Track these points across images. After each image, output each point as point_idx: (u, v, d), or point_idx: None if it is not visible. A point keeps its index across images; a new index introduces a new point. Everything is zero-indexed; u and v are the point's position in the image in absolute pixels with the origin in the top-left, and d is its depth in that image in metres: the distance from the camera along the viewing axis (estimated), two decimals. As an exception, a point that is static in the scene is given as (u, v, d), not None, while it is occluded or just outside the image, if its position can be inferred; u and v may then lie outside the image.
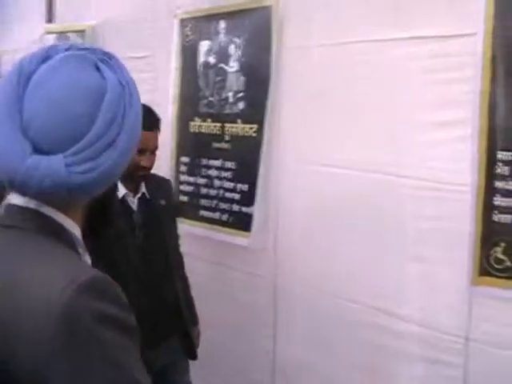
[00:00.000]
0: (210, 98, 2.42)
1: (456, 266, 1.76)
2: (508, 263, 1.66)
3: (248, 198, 2.30)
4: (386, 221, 1.93)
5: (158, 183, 2.14)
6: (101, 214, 1.04)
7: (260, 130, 2.25)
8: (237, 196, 2.35)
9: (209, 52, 2.44)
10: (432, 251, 1.81)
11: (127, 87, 0.97)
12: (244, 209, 2.32)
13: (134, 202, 2.01)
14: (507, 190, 1.65)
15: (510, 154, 1.64)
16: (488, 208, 1.69)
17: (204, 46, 2.45)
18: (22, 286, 0.82)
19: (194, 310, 2.20)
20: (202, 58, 2.46)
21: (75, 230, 0.97)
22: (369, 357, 2.02)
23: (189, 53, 2.51)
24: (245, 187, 2.32)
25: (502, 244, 1.67)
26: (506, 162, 1.65)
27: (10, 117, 0.90)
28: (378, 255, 1.96)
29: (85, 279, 0.81)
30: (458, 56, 1.72)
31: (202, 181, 2.47)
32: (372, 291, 1.99)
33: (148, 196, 2.05)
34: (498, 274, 1.69)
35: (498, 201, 1.67)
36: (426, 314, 1.86)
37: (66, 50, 0.97)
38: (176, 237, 2.18)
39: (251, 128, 2.29)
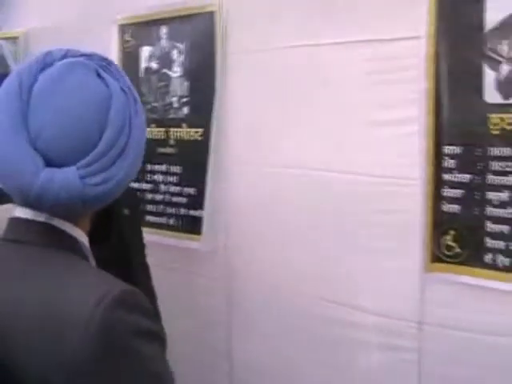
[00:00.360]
0: (154, 104, 2.42)
1: (408, 256, 1.85)
2: (457, 250, 1.78)
3: (195, 202, 2.31)
4: (338, 217, 2.00)
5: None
6: (106, 222, 1.06)
7: (206, 134, 2.28)
8: (184, 200, 2.36)
9: (151, 58, 2.44)
10: (384, 243, 1.90)
11: (130, 94, 0.99)
12: (192, 212, 2.33)
13: None
14: (454, 182, 1.77)
15: (455, 148, 1.76)
16: (437, 199, 1.80)
17: (145, 51, 2.46)
18: (54, 304, 0.82)
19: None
20: (143, 64, 2.46)
21: (83, 239, 0.99)
22: (327, 350, 2.07)
23: (129, 59, 2.50)
24: (191, 191, 2.33)
25: (452, 232, 1.79)
26: (452, 156, 1.77)
27: (15, 130, 0.88)
28: (330, 250, 2.03)
29: (117, 293, 0.82)
30: (403, 58, 1.81)
31: (147, 186, 2.46)
32: (326, 285, 2.05)
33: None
34: (448, 260, 1.80)
35: (446, 192, 1.79)
36: (380, 303, 1.94)
37: (64, 56, 0.97)
38: (141, 248, 2.05)
39: (196, 132, 2.31)
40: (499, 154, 1.68)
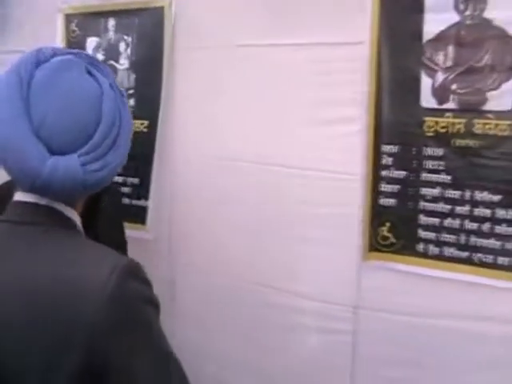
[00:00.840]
0: (99, 94, 2.45)
1: (346, 245, 2.00)
2: (392, 240, 1.95)
3: (140, 192, 2.37)
4: (281, 209, 2.12)
5: None
6: (95, 205, 1.15)
7: (152, 126, 2.34)
8: (127, 189, 2.40)
9: (97, 48, 2.46)
10: (324, 233, 2.04)
11: (117, 89, 1.07)
12: (135, 202, 2.38)
13: None
14: (391, 178, 1.93)
15: (392, 147, 1.92)
16: (375, 193, 1.96)
17: (92, 42, 2.48)
18: (67, 276, 0.91)
19: None
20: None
21: (78, 221, 1.06)
22: (265, 334, 2.19)
23: (75, 48, 2.50)
24: (136, 181, 2.38)
25: (387, 224, 1.96)
26: (390, 154, 1.93)
27: (19, 121, 0.94)
28: (271, 239, 2.15)
29: (125, 265, 0.93)
30: (348, 61, 1.95)
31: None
32: (267, 272, 2.17)
33: None
34: (384, 249, 1.96)
35: (383, 187, 1.95)
36: (319, 290, 2.08)
37: (54, 53, 1.03)
38: (119, 244, 2.05)
39: (142, 124, 2.36)
40: (432, 154, 1.86)
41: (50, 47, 1.06)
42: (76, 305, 0.88)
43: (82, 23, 2.50)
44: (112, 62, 2.42)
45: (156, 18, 2.31)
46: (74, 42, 2.52)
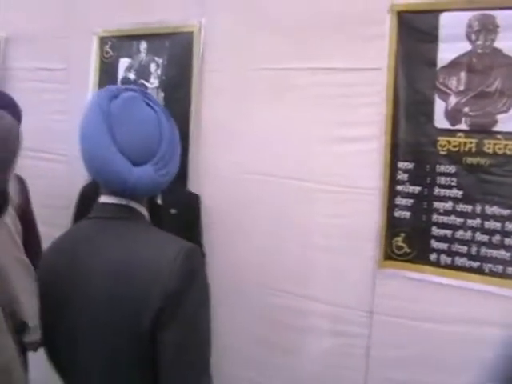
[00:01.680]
0: (130, 111, 2.61)
1: (363, 254, 2.15)
2: (407, 249, 2.10)
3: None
4: (305, 221, 2.27)
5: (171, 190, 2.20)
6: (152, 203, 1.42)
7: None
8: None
9: (129, 69, 2.63)
10: (342, 243, 2.18)
11: (167, 115, 1.35)
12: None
13: None
14: (406, 192, 2.09)
15: (408, 163, 2.08)
16: (391, 206, 2.11)
17: (124, 63, 2.65)
18: (150, 254, 1.21)
19: None
20: (121, 74, 2.65)
21: (146, 215, 1.36)
22: (282, 336, 2.33)
23: (108, 68, 2.69)
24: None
25: (402, 234, 2.11)
26: (405, 171, 2.09)
27: (105, 138, 1.24)
28: (294, 248, 2.29)
29: (188, 248, 1.23)
30: (367, 85, 2.12)
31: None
32: (287, 279, 2.31)
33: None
34: (398, 258, 2.11)
35: (399, 201, 2.10)
36: (336, 295, 2.22)
37: (119, 91, 1.32)
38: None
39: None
40: (445, 171, 2.02)
41: (114, 86, 1.37)
42: (153, 276, 1.18)
43: (115, 45, 2.67)
44: (143, 81, 2.59)
45: (186, 41, 2.48)
46: (108, 63, 2.68)
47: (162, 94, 2.55)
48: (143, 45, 2.59)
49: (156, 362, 1.20)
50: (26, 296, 1.74)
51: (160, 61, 2.55)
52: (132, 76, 2.62)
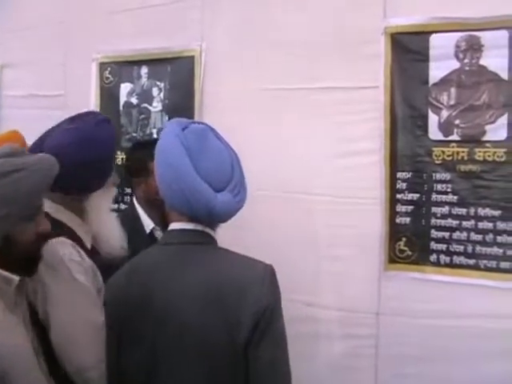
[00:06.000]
0: (134, 134, 2.73)
1: (368, 260, 2.31)
2: (408, 252, 2.27)
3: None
4: (312, 231, 2.41)
5: None
6: None
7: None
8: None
9: (131, 93, 2.75)
10: (349, 250, 2.33)
11: (230, 147, 1.46)
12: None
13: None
14: (405, 200, 2.27)
15: (406, 173, 2.26)
16: (392, 213, 2.29)
17: (125, 87, 2.77)
18: (237, 274, 1.30)
19: None
20: (123, 99, 2.77)
21: (216, 238, 1.44)
22: (294, 344, 2.44)
23: (108, 93, 2.80)
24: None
25: (404, 239, 2.28)
26: (404, 180, 2.27)
27: (189, 168, 1.34)
28: (303, 258, 2.42)
29: (271, 266, 1.33)
30: (366, 103, 2.30)
31: (124, 207, 2.73)
32: (295, 287, 2.43)
33: None
34: (401, 260, 2.28)
35: (399, 208, 2.28)
36: (343, 300, 2.37)
37: (186, 124, 1.43)
38: None
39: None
40: (441, 178, 2.21)
41: (182, 119, 1.49)
42: (244, 294, 1.25)
43: (115, 70, 2.79)
44: (145, 105, 2.71)
45: (187, 65, 2.63)
46: (108, 88, 2.80)
47: (166, 118, 2.68)
48: (144, 70, 2.72)
49: (250, 378, 1.26)
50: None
51: (162, 85, 2.68)
52: (134, 100, 2.74)
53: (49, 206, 1.62)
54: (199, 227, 1.38)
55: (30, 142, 2.38)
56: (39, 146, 1.75)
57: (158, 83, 2.69)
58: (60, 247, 1.57)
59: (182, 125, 1.41)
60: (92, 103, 2.84)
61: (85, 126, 1.69)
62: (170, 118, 2.67)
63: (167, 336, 1.30)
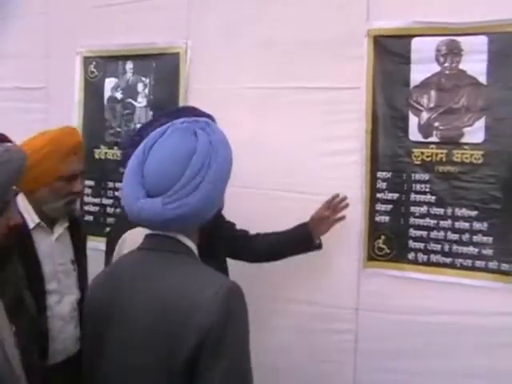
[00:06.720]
0: (118, 129, 2.75)
1: (348, 257, 2.37)
2: (387, 250, 2.33)
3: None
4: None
5: None
6: (206, 235, 1.42)
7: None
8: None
9: (116, 88, 2.76)
10: (329, 248, 2.34)
11: (215, 146, 1.31)
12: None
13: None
14: (385, 199, 2.33)
15: (386, 173, 2.32)
16: (372, 212, 2.35)
17: (110, 82, 2.78)
18: (188, 290, 1.23)
19: None
20: (108, 93, 2.78)
21: (194, 248, 1.37)
22: (273, 338, 2.51)
23: (93, 88, 2.81)
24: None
25: (383, 237, 2.34)
26: (384, 180, 2.32)
27: (136, 174, 1.31)
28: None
29: (228, 285, 1.24)
30: (348, 103, 2.34)
31: (108, 201, 2.75)
32: (279, 283, 2.50)
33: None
34: (380, 258, 2.34)
35: (379, 207, 2.34)
36: (323, 296, 2.42)
37: (181, 123, 1.36)
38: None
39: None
40: (420, 179, 2.27)
41: (183, 118, 1.39)
42: (190, 310, 1.19)
43: (100, 65, 2.80)
44: (130, 100, 2.73)
45: (173, 62, 2.65)
46: (93, 82, 2.81)
47: (150, 113, 2.69)
48: (129, 65, 2.73)
49: None
50: None
51: (147, 80, 2.70)
52: (119, 95, 2.76)
53: None
54: (170, 233, 1.32)
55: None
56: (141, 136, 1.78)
57: (144, 79, 2.70)
58: None
59: (171, 126, 1.36)
60: (76, 97, 2.85)
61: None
62: (154, 114, 2.69)
63: (117, 350, 1.29)
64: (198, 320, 1.17)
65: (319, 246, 2.29)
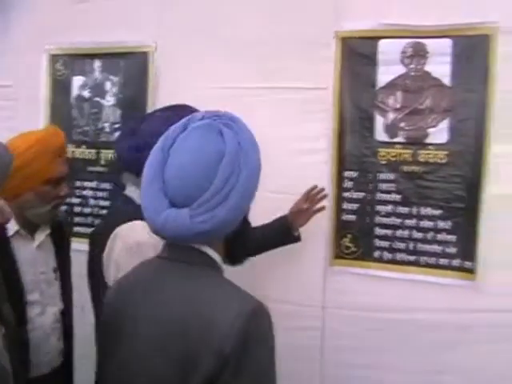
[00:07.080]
0: (85, 128, 2.73)
1: (314, 256, 2.40)
2: (353, 248, 2.36)
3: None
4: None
5: None
6: (232, 246, 1.30)
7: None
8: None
9: (83, 87, 2.74)
10: (296, 246, 2.38)
11: (244, 148, 1.19)
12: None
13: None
14: (351, 198, 2.36)
15: (353, 172, 2.35)
16: (339, 211, 2.38)
17: (78, 81, 2.75)
18: (209, 307, 1.11)
19: None
20: (75, 92, 2.75)
21: (218, 259, 1.25)
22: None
23: (60, 86, 2.78)
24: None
25: (349, 235, 2.37)
26: (350, 179, 2.36)
27: (156, 180, 1.18)
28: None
29: (249, 309, 1.11)
30: (316, 103, 2.37)
31: (76, 200, 2.73)
32: (246, 281, 2.50)
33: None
34: (346, 256, 2.37)
35: (345, 205, 2.37)
36: (289, 294, 2.44)
37: (200, 119, 1.23)
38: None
39: (127, 154, 2.65)
40: (385, 178, 2.31)
41: (202, 112, 1.27)
42: (206, 337, 1.08)
43: (68, 63, 2.77)
44: (98, 99, 2.71)
45: (141, 61, 2.64)
46: (60, 80, 2.78)
47: (119, 112, 2.68)
48: (97, 63, 2.72)
49: None
50: None
51: (116, 79, 2.69)
52: (87, 94, 2.74)
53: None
54: (194, 244, 1.20)
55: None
56: (133, 130, 1.82)
57: (112, 77, 2.69)
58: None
59: (188, 122, 1.23)
60: (43, 95, 2.81)
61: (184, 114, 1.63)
62: (123, 113, 2.68)
63: (123, 355, 1.21)
64: (218, 343, 1.06)
65: (298, 238, 2.31)
